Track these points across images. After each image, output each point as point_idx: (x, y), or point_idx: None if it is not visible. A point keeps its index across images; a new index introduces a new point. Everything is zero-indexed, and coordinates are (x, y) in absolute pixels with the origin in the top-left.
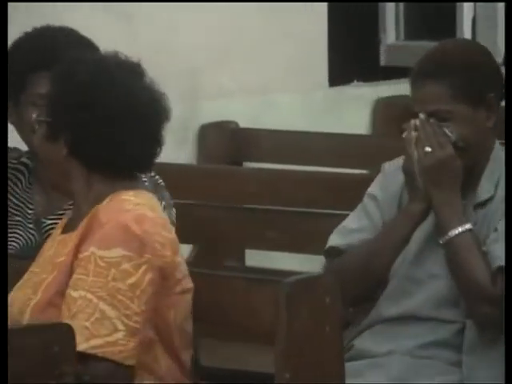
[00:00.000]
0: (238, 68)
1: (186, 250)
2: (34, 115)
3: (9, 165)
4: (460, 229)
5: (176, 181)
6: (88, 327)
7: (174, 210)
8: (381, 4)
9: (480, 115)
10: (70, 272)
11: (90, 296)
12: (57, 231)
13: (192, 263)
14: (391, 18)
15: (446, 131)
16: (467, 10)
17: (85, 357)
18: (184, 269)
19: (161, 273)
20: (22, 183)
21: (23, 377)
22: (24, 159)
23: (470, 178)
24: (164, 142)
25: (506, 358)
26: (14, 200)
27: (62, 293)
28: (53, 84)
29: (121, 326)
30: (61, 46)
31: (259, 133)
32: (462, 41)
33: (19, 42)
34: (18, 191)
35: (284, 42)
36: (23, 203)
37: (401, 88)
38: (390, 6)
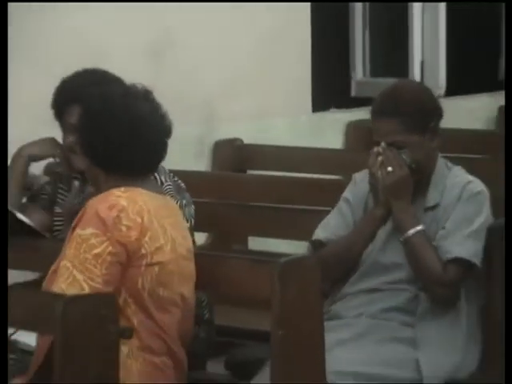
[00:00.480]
0: (242, 98)
1: (202, 237)
2: (71, 139)
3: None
4: (414, 230)
5: (195, 184)
6: (63, 288)
7: (192, 206)
8: (351, 51)
9: (426, 140)
10: None
11: (68, 264)
12: None
13: (207, 247)
14: (359, 60)
15: (403, 156)
16: (417, 53)
17: None
18: (152, 247)
19: (125, 248)
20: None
21: (80, 336)
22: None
23: (420, 187)
24: (166, 152)
25: (506, 358)
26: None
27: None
28: (80, 115)
29: (85, 286)
30: (86, 85)
31: (259, 148)
32: (409, 82)
33: (62, 81)
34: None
35: (278, 80)
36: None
37: (366, 113)
38: (359, 54)
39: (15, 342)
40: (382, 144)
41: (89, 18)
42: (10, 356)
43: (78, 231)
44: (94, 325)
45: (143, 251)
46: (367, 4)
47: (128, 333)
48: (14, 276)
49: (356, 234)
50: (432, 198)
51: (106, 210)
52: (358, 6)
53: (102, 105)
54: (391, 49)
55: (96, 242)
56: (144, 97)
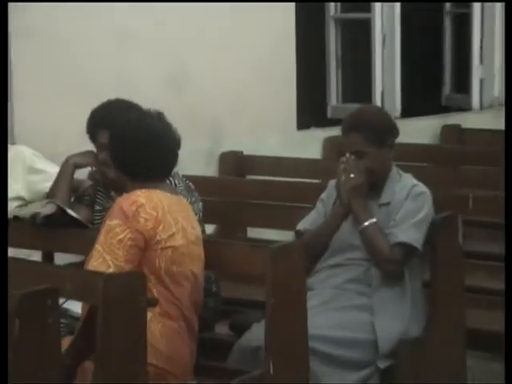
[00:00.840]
0: (243, 119)
1: (211, 228)
2: (103, 155)
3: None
4: (369, 222)
5: (206, 187)
6: (95, 265)
7: (200, 203)
8: (327, 83)
9: (382, 152)
10: None
11: (99, 248)
12: None
13: (215, 236)
14: (334, 90)
15: (361, 165)
16: (378, 85)
17: None
18: (165, 235)
19: (143, 235)
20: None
21: (116, 304)
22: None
23: (376, 189)
24: (177, 160)
25: (505, 358)
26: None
27: None
28: (110, 137)
29: (111, 265)
30: (111, 112)
31: (256, 158)
32: (372, 107)
33: (92, 110)
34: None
35: (270, 105)
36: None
37: (339, 131)
38: (333, 85)
39: (66, 310)
40: (347, 155)
41: (120, 54)
42: (62, 321)
43: (107, 222)
44: (127, 295)
45: (158, 238)
46: (339, 46)
47: (153, 301)
48: (65, 258)
49: (324, 226)
50: (385, 197)
51: (128, 206)
52: (333, 47)
53: (125, 128)
54: (358, 81)
55: (119, 231)
56: (157, 118)
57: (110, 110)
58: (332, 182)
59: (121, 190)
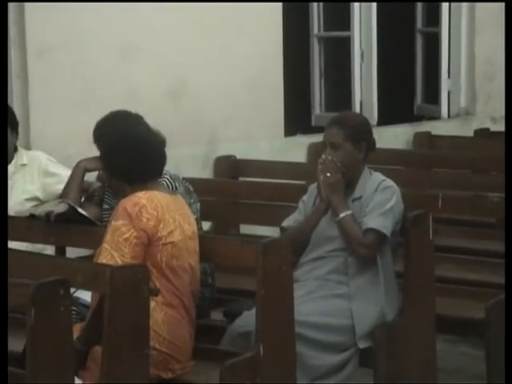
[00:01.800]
0: (236, 127)
1: (207, 225)
2: None
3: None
4: (344, 213)
5: (202, 188)
6: (104, 262)
7: (198, 204)
8: (311, 94)
9: (356, 151)
10: None
11: (107, 246)
12: None
13: (211, 232)
14: (317, 100)
15: (338, 164)
16: (357, 95)
17: None
18: (165, 232)
19: (146, 233)
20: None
21: (122, 294)
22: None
23: (350, 185)
24: (166, 158)
25: (505, 358)
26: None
27: None
28: (102, 149)
29: (119, 261)
30: (108, 125)
31: (247, 162)
32: (353, 112)
33: (96, 122)
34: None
35: (260, 114)
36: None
37: (322, 138)
38: (317, 96)
39: (76, 299)
40: (323, 156)
41: (124, 68)
42: (73, 308)
43: (113, 222)
44: (131, 286)
45: (159, 235)
46: (322, 61)
47: (155, 291)
48: (76, 252)
49: (306, 222)
50: (358, 192)
51: (131, 207)
52: (316, 62)
53: (112, 139)
54: (339, 92)
55: (125, 230)
56: (140, 122)
57: (107, 121)
58: (313, 186)
59: (124, 194)
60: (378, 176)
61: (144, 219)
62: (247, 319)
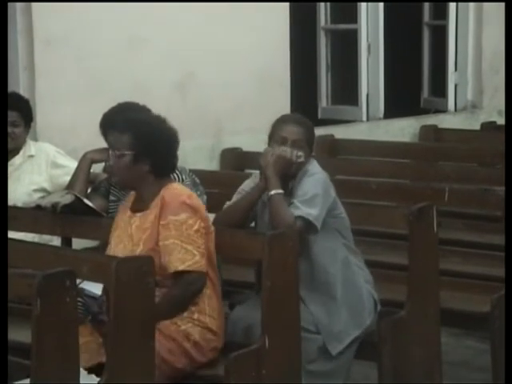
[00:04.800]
0: (242, 119)
1: (211, 216)
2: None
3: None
4: (276, 191)
5: (209, 179)
6: (180, 257)
7: (205, 196)
8: (318, 87)
9: (307, 156)
10: (157, 233)
11: (177, 242)
12: (124, 213)
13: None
14: (324, 93)
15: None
16: (364, 89)
17: (180, 273)
18: (209, 221)
19: (206, 223)
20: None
21: (128, 285)
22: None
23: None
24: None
25: (506, 358)
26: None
27: (156, 244)
28: (135, 138)
29: (196, 253)
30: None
31: (253, 154)
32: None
33: (103, 114)
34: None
35: (266, 107)
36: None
37: (327, 130)
38: (324, 89)
39: (82, 290)
40: (283, 148)
41: (131, 60)
42: (78, 299)
43: (172, 217)
44: (137, 277)
45: (208, 223)
46: (329, 54)
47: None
48: (82, 243)
49: (241, 199)
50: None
51: (188, 199)
52: (323, 54)
53: (151, 129)
54: (346, 85)
55: (192, 222)
56: (165, 121)
57: (119, 113)
58: (255, 173)
59: (137, 185)
60: (312, 165)
61: (202, 209)
62: (250, 311)
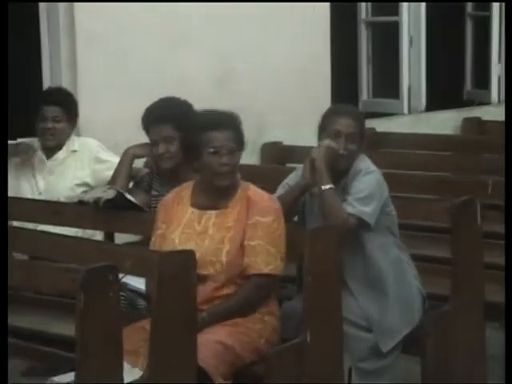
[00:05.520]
0: (283, 113)
1: None
2: (162, 150)
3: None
4: (329, 186)
5: (249, 173)
6: (265, 260)
7: None
8: (359, 80)
9: (360, 143)
10: (243, 232)
11: (261, 243)
12: (182, 207)
13: None
14: (365, 86)
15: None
16: (405, 81)
17: (263, 275)
18: None
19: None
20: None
21: (170, 279)
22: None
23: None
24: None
25: (506, 358)
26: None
27: (241, 243)
28: (185, 134)
29: (278, 256)
30: (166, 110)
31: (293, 148)
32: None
33: (146, 109)
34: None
35: (307, 101)
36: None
37: (368, 123)
38: (364, 81)
39: (124, 284)
40: (333, 144)
41: (172, 55)
42: (121, 294)
43: (260, 218)
44: (180, 272)
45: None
46: (370, 46)
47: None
48: (124, 238)
49: (288, 193)
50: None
51: (274, 203)
52: (364, 47)
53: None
54: (387, 78)
55: (276, 226)
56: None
57: (161, 108)
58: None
59: (188, 178)
60: (363, 162)
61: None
62: (296, 306)
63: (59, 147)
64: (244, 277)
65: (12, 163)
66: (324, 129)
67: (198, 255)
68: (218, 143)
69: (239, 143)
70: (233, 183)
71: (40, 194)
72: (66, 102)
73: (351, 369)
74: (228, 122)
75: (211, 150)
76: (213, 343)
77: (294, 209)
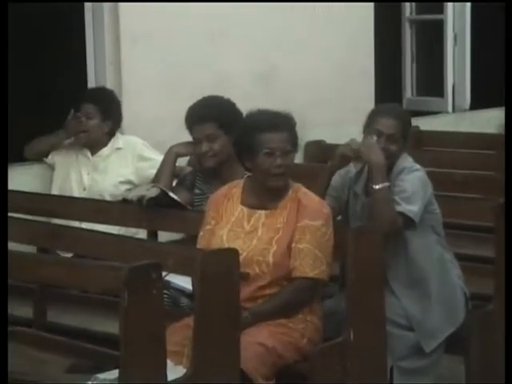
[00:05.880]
0: (325, 111)
1: None
2: (205, 148)
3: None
4: (384, 184)
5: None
6: (311, 264)
7: None
8: (403, 77)
9: (402, 142)
10: (292, 234)
11: (309, 246)
12: (232, 206)
13: None
14: (409, 84)
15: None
16: (449, 79)
17: (308, 279)
18: None
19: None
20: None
21: (213, 278)
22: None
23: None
24: None
25: (506, 358)
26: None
27: (288, 245)
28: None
29: (324, 261)
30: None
31: (337, 146)
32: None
33: (188, 108)
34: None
35: (350, 98)
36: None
37: (412, 122)
38: (408, 79)
39: (168, 282)
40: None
41: (214, 53)
42: (165, 292)
43: (310, 222)
44: (223, 270)
45: None
46: (414, 44)
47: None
48: (166, 236)
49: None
50: (394, 174)
51: (324, 207)
52: (408, 45)
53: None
54: (431, 75)
55: (325, 230)
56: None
57: (204, 106)
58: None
59: (224, 177)
60: (406, 161)
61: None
62: (338, 304)
63: (102, 144)
64: (289, 279)
65: (63, 159)
66: (367, 127)
67: (244, 254)
68: (273, 144)
69: (294, 145)
70: (285, 184)
71: (84, 189)
72: (102, 101)
73: (392, 368)
74: (284, 124)
75: (266, 150)
76: (254, 345)
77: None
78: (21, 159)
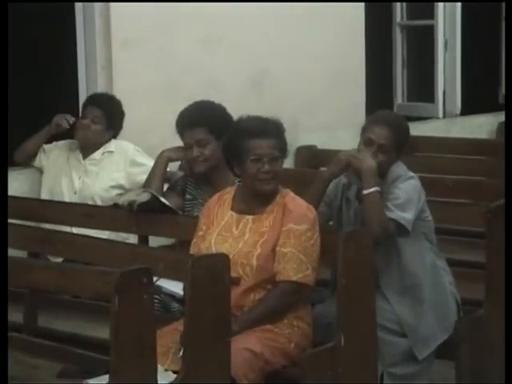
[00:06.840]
0: (317, 116)
1: None
2: (196, 153)
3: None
4: (375, 189)
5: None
6: (295, 267)
7: None
8: (394, 83)
9: (395, 157)
10: (276, 238)
11: (294, 251)
12: (222, 211)
13: None
14: (400, 90)
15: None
16: (440, 85)
17: (292, 282)
18: None
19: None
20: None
21: (204, 282)
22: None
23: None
24: None
25: (506, 358)
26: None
27: (273, 248)
28: (224, 141)
29: (309, 266)
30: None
31: (328, 152)
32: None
33: (179, 113)
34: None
35: (341, 104)
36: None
37: None
38: (399, 85)
39: (159, 287)
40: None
41: (206, 58)
42: (156, 297)
43: (295, 226)
44: (213, 275)
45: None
46: (405, 50)
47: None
48: (158, 241)
49: (311, 189)
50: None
51: (309, 212)
52: (399, 51)
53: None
54: (422, 81)
55: (310, 235)
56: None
57: (195, 111)
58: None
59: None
60: (400, 168)
61: (318, 222)
62: (329, 309)
63: (95, 148)
64: (273, 282)
65: (53, 161)
66: (362, 134)
67: (230, 257)
68: (261, 151)
69: (282, 151)
70: (274, 190)
71: (75, 193)
72: (108, 107)
73: (383, 373)
74: (272, 130)
75: (254, 157)
76: (241, 351)
77: (317, 206)
78: (11, 163)
